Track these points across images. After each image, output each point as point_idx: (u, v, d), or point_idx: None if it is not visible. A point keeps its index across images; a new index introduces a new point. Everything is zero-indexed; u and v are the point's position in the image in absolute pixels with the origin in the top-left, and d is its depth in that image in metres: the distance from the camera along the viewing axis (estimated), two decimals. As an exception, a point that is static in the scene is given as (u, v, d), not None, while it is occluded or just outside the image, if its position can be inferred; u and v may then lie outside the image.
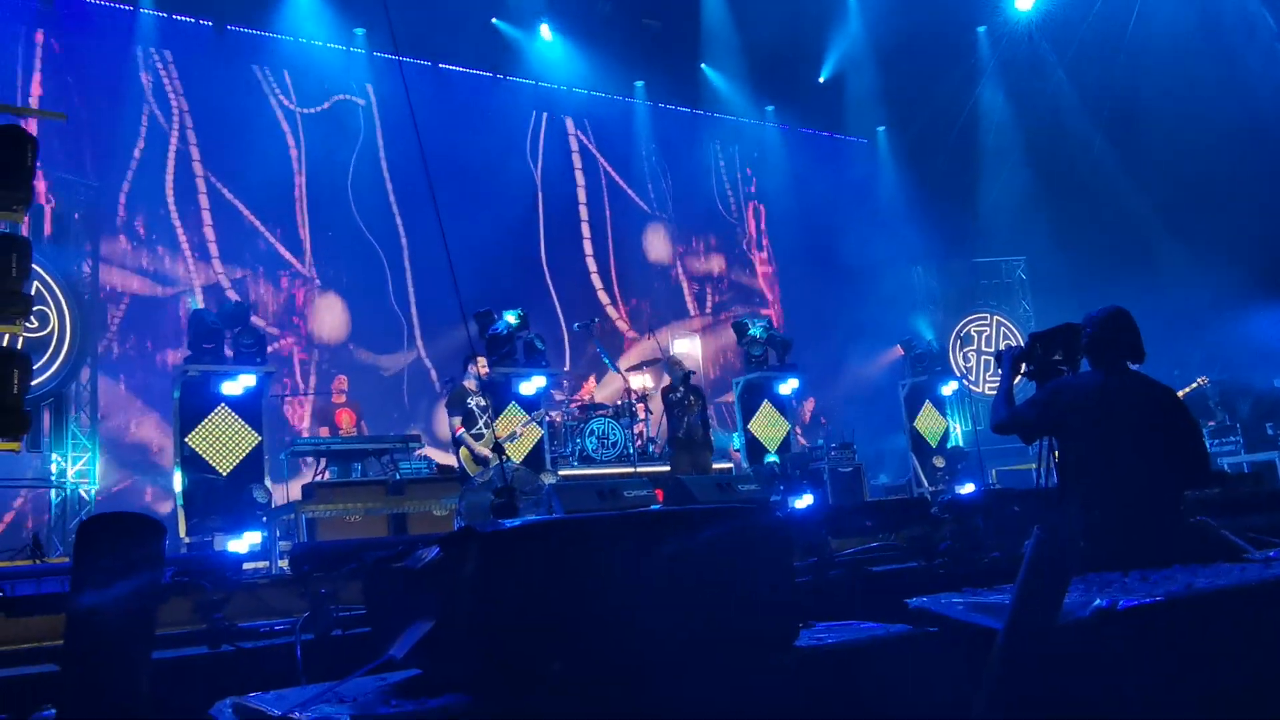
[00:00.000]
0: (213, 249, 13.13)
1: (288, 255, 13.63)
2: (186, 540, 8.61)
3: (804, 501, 10.12)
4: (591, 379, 12.78)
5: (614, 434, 10.77)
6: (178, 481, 8.97)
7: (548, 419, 10.57)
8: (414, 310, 14.27)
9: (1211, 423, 12.72)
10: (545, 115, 16.16)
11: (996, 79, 16.65)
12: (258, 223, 13.45)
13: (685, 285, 17.16)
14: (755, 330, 12.82)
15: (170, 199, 12.94)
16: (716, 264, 17.67)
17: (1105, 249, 14.32)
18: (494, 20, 14.75)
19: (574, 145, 16.42)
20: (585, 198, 16.34)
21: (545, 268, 15.64)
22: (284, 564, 7.94)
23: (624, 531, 2.05)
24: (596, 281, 16.17)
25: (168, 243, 12.87)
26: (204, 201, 13.15)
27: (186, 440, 9.01)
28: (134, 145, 12.79)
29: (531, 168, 15.84)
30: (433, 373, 14.11)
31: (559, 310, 15.30)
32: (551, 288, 15.54)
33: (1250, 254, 13.31)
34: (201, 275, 13.00)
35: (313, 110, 14.12)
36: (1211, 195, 13.09)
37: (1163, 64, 13.52)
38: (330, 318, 13.83)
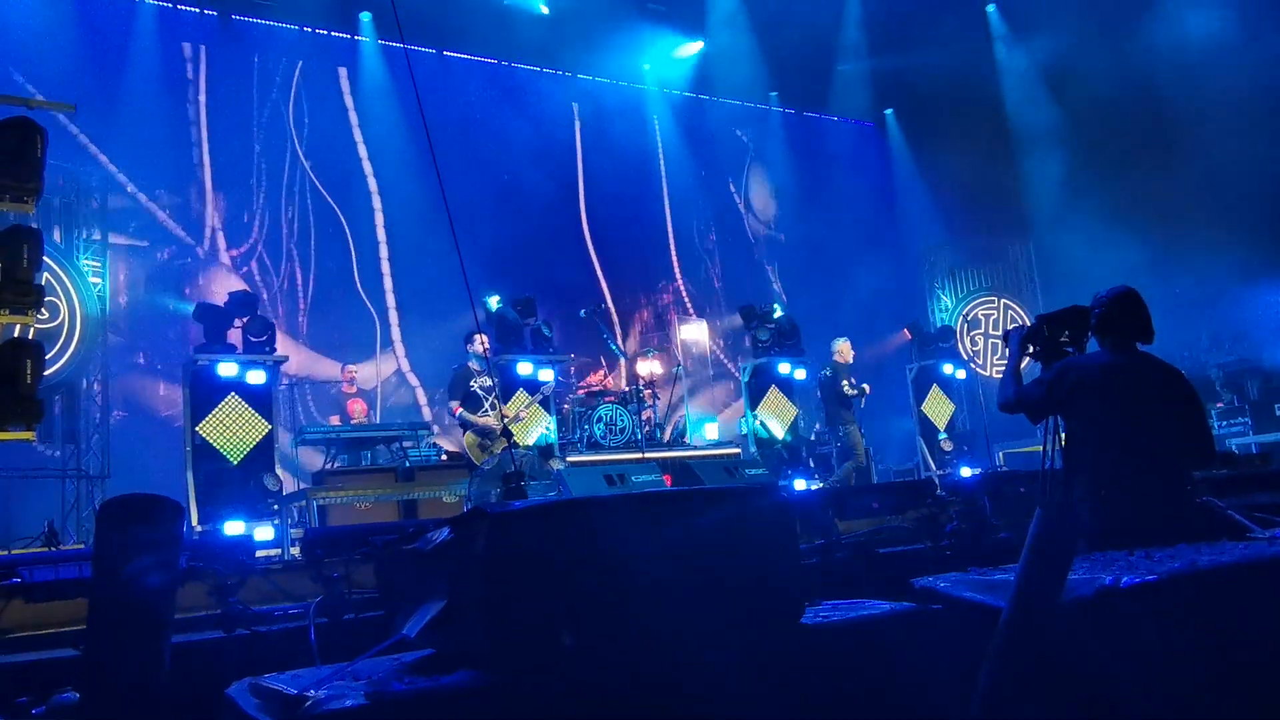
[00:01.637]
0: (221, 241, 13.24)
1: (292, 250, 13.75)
2: (199, 529, 8.68)
3: (809, 485, 10.16)
4: (602, 367, 12.79)
5: (622, 420, 10.79)
6: (189, 471, 9.02)
7: (557, 406, 10.60)
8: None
9: (1220, 404, 12.70)
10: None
11: (1007, 60, 16.56)
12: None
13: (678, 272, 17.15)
14: (763, 315, 12.82)
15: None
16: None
17: (1113, 231, 14.25)
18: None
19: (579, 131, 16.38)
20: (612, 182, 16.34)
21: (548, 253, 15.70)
22: (295, 551, 8.02)
23: (631, 511, 2.08)
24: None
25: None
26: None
27: (197, 429, 9.06)
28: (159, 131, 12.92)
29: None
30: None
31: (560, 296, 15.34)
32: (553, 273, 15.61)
33: (1258, 233, 13.26)
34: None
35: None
36: (1220, 176, 13.01)
37: (1179, 44, 13.44)
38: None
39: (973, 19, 16.40)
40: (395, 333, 14.15)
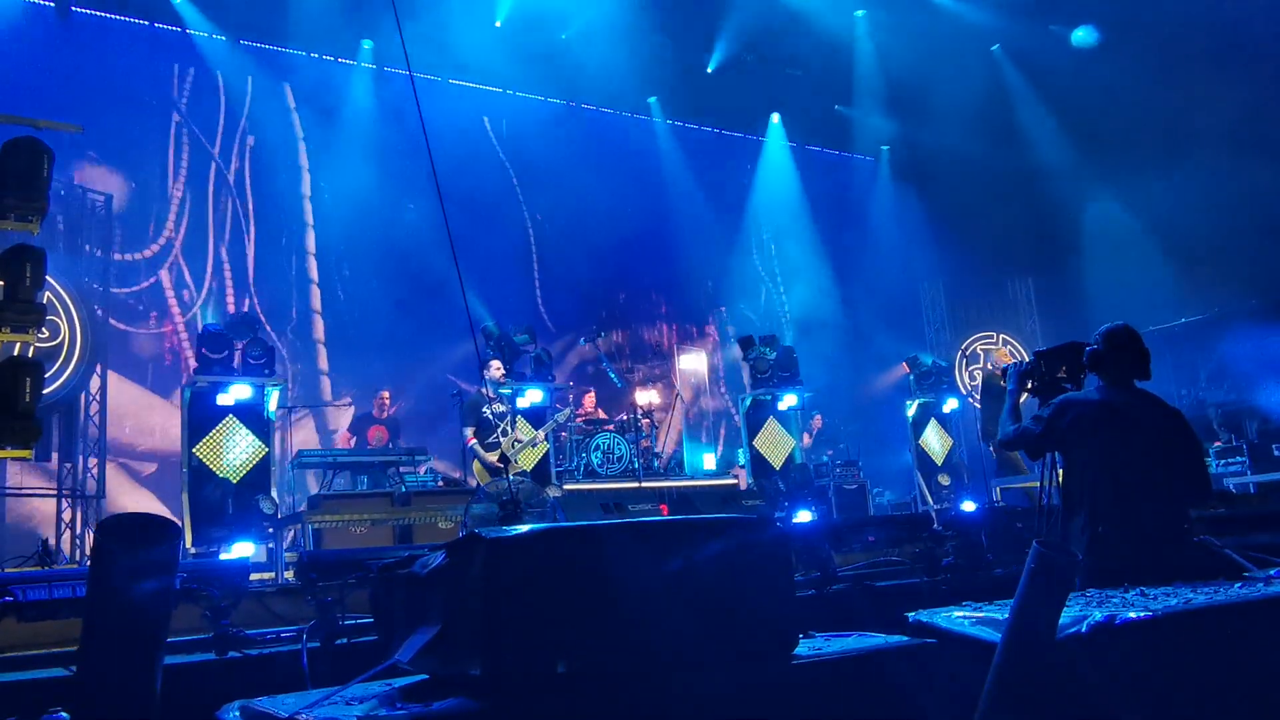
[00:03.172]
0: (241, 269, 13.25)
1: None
2: (193, 551, 8.64)
3: (806, 517, 10.14)
4: (592, 393, 12.77)
5: (619, 448, 10.78)
6: (184, 492, 9.01)
7: (555, 433, 10.60)
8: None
9: (1218, 443, 12.69)
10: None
11: (1008, 98, 16.68)
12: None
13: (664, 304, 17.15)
14: (761, 346, 12.85)
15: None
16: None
17: (1113, 269, 14.32)
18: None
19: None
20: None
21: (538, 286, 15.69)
22: (290, 574, 7.98)
23: (627, 539, 2.08)
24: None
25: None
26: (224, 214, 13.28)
27: (194, 451, 9.06)
28: (164, 156, 12.94)
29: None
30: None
31: (550, 326, 15.32)
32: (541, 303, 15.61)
33: (1256, 276, 13.32)
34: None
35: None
36: (1221, 217, 13.09)
37: (1176, 80, 13.54)
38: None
39: (977, 57, 16.55)
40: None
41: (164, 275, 12.81)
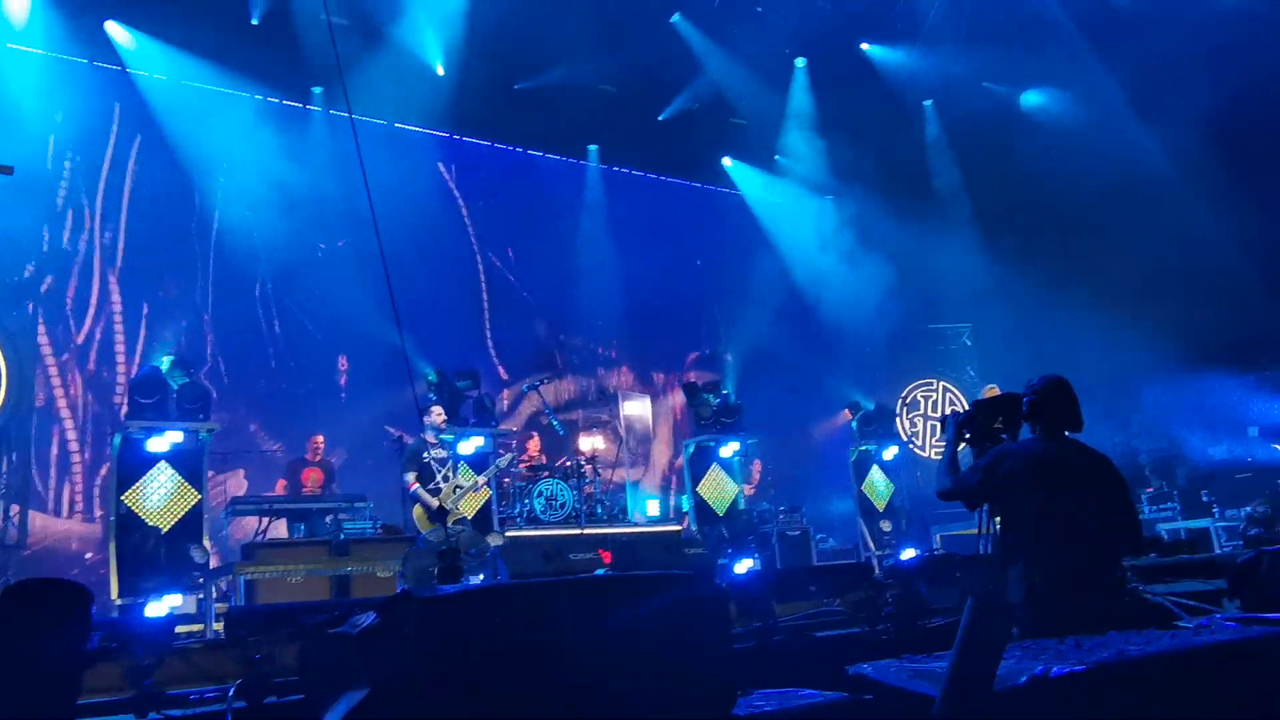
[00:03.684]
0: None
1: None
2: (119, 602, 8.36)
3: (748, 565, 10.13)
4: (535, 439, 12.67)
5: (562, 495, 10.69)
6: (111, 541, 8.73)
7: (496, 479, 10.49)
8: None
9: (1149, 489, 12.98)
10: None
11: (945, 150, 17.10)
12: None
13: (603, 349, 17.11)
14: (706, 393, 12.90)
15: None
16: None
17: (1049, 319, 14.65)
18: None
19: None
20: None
21: (488, 331, 15.58)
22: (219, 627, 7.74)
23: (562, 600, 2.05)
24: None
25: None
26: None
27: (123, 498, 8.80)
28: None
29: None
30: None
31: (499, 370, 15.20)
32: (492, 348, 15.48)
33: (1189, 329, 13.72)
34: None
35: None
36: (1151, 268, 13.48)
37: (1112, 140, 13.98)
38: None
39: (912, 109, 16.99)
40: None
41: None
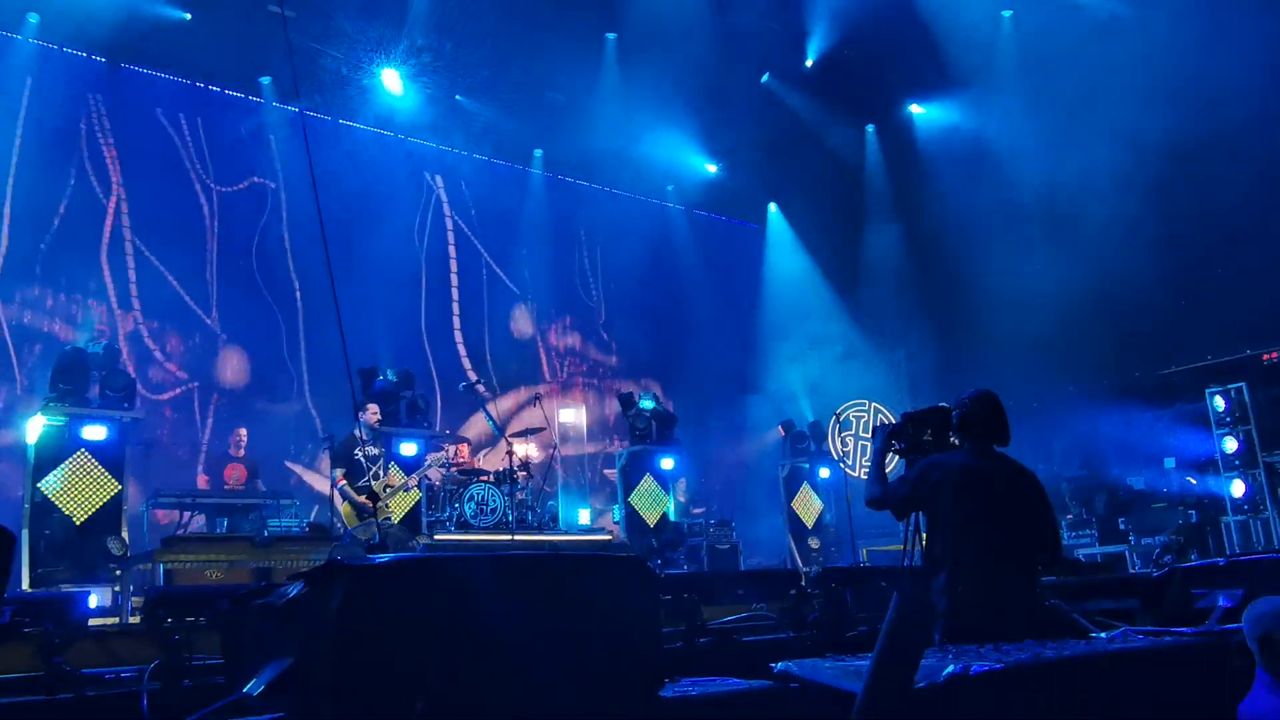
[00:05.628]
0: (135, 303, 12.64)
1: (198, 310, 13.19)
2: (30, 592, 8.08)
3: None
4: (466, 444, 12.55)
5: (494, 500, 10.60)
6: (25, 529, 8.43)
7: (426, 480, 10.37)
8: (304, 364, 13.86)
9: (1069, 515, 13.31)
10: (437, 178, 16.07)
11: (882, 177, 17.45)
12: (175, 281, 13.01)
13: (544, 357, 17.07)
14: (642, 403, 12.93)
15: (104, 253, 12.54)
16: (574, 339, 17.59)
17: (978, 346, 14.92)
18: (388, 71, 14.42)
19: (449, 213, 16.23)
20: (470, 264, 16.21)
21: (424, 332, 15.44)
22: (135, 620, 7.53)
23: (495, 572, 2.04)
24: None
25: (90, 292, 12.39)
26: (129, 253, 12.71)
27: (39, 486, 8.52)
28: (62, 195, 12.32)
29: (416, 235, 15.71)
30: (317, 420, 13.57)
31: (434, 373, 15.05)
32: (429, 351, 15.34)
33: (1109, 357, 14.10)
34: (126, 324, 12.47)
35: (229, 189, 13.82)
36: (1074, 299, 13.77)
37: (1042, 167, 14.28)
38: (231, 368, 13.35)
39: (852, 135, 17.35)
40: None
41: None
